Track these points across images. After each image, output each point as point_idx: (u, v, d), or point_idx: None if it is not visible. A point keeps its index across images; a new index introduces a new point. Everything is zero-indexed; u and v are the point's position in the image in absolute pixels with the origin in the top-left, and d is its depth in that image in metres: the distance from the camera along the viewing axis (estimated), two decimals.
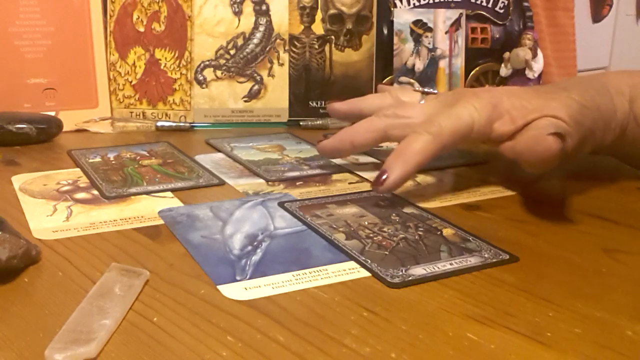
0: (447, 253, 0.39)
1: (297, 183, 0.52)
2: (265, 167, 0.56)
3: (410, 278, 0.35)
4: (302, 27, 0.73)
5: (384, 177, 0.45)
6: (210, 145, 0.64)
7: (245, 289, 0.34)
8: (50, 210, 0.45)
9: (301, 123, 0.72)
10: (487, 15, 0.78)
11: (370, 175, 0.53)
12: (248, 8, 0.72)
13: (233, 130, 0.70)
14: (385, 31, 0.75)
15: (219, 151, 0.61)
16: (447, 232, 0.42)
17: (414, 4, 0.76)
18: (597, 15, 1.19)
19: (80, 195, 0.48)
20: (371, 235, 0.41)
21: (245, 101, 0.72)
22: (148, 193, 0.49)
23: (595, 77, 0.52)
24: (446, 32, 0.76)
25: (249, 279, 0.35)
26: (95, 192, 0.49)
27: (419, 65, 0.75)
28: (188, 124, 0.70)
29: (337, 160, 0.57)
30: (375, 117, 0.51)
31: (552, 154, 0.43)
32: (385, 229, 0.42)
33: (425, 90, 0.56)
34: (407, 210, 0.46)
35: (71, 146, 0.61)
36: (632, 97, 0.50)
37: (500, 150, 0.48)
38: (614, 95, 0.50)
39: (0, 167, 0.55)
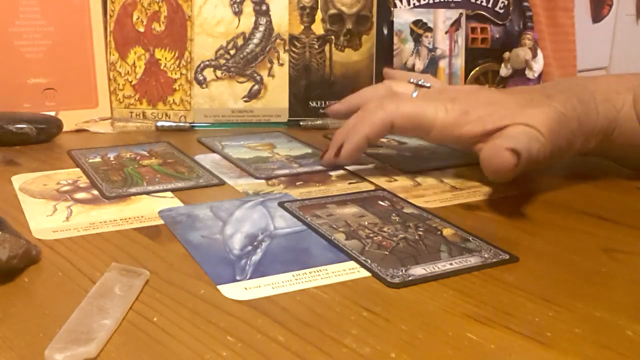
0: (447, 253, 0.39)
1: (297, 183, 0.52)
2: (255, 165, 0.56)
3: (410, 278, 0.35)
4: (302, 27, 0.73)
5: (340, 148, 0.51)
6: (201, 143, 0.64)
7: (245, 289, 0.34)
8: (50, 210, 0.45)
9: (301, 123, 0.72)
10: (487, 15, 0.78)
11: (356, 168, 0.55)
12: (248, 8, 0.72)
13: (231, 130, 0.70)
14: (385, 31, 0.75)
15: (210, 149, 0.62)
16: (447, 232, 0.42)
17: (414, 4, 0.76)
18: (597, 15, 1.19)
19: (80, 195, 0.48)
20: (371, 235, 0.41)
21: (245, 101, 0.72)
22: (148, 193, 0.49)
23: (584, 83, 0.53)
24: (446, 32, 0.76)
25: (249, 279, 0.35)
26: (95, 192, 0.49)
27: (419, 65, 0.75)
28: (188, 124, 0.70)
29: None
30: (361, 111, 0.53)
31: (505, 168, 0.44)
32: (385, 229, 0.42)
33: (419, 82, 0.57)
34: (407, 210, 0.46)
35: (71, 146, 0.61)
36: (636, 96, 0.50)
37: (475, 152, 0.49)
38: (600, 104, 0.50)
39: (0, 167, 0.55)
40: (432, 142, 0.55)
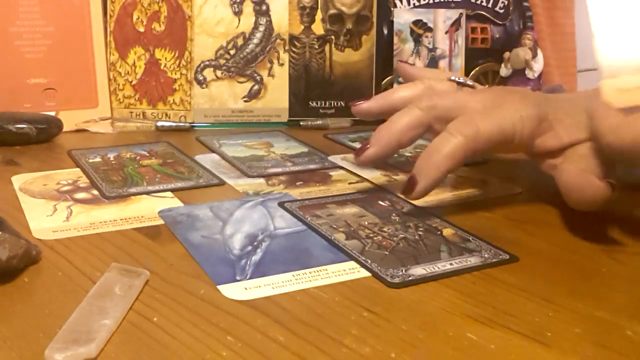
0: (447, 253, 0.39)
1: (297, 183, 0.52)
2: (249, 163, 0.56)
3: (410, 278, 0.35)
4: (302, 27, 0.73)
5: (413, 184, 0.43)
6: (200, 142, 0.64)
7: (245, 289, 0.34)
8: (50, 210, 0.45)
9: (301, 123, 0.72)
10: (487, 15, 0.78)
11: (356, 168, 0.54)
12: (248, 8, 0.72)
13: (232, 130, 0.70)
14: (385, 31, 0.75)
15: (208, 148, 0.62)
16: (447, 232, 0.42)
17: (414, 4, 0.76)
18: None
19: (80, 195, 0.48)
20: (371, 235, 0.41)
21: (245, 101, 0.72)
22: (148, 193, 0.49)
23: None
24: (446, 32, 0.76)
25: (249, 279, 0.35)
26: (95, 192, 0.49)
27: (419, 65, 0.75)
28: (188, 124, 0.70)
29: (322, 159, 0.58)
30: (417, 109, 0.46)
31: (600, 200, 0.40)
32: (385, 229, 0.42)
33: (461, 80, 0.51)
34: (407, 210, 0.46)
35: (71, 146, 0.61)
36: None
37: (541, 167, 0.46)
38: None
39: (0, 167, 0.55)
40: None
